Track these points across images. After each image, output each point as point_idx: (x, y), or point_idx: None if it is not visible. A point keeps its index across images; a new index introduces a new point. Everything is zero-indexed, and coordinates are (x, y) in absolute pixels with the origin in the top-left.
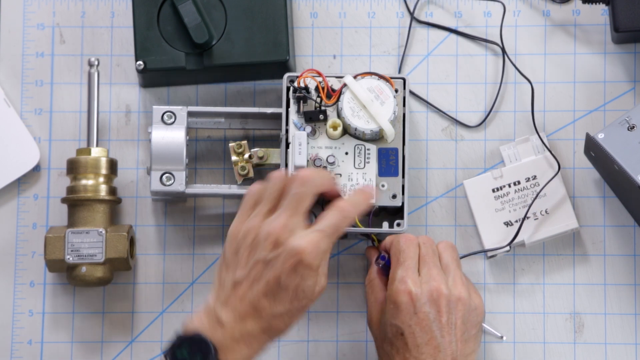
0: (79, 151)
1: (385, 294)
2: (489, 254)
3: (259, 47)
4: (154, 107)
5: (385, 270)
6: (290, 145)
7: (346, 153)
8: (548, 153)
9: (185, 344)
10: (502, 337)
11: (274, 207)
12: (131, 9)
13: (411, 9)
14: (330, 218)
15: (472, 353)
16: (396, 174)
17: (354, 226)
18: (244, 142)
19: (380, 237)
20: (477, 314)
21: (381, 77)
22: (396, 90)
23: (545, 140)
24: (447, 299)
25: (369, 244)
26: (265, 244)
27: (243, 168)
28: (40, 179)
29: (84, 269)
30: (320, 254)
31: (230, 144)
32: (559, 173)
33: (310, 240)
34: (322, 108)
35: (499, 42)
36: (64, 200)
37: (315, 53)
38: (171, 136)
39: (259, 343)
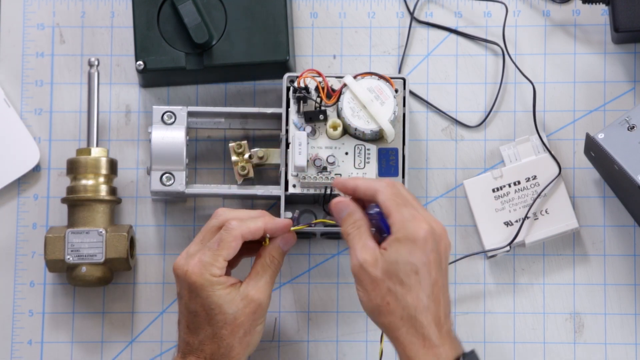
0: (79, 151)
1: (372, 239)
2: (489, 254)
3: (259, 47)
4: (154, 107)
5: (378, 222)
6: (290, 145)
7: (346, 153)
8: (548, 153)
9: None
10: None
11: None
12: (131, 9)
13: (411, 9)
14: (217, 234)
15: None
16: (396, 174)
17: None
18: (244, 142)
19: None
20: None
21: (381, 77)
22: (396, 90)
23: (546, 142)
24: (445, 241)
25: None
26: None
27: (243, 168)
28: (40, 179)
29: (84, 269)
30: (205, 267)
31: (230, 144)
32: (560, 169)
33: (195, 260)
34: (322, 108)
35: (499, 42)
36: (64, 200)
37: (315, 53)
38: (171, 136)
39: None
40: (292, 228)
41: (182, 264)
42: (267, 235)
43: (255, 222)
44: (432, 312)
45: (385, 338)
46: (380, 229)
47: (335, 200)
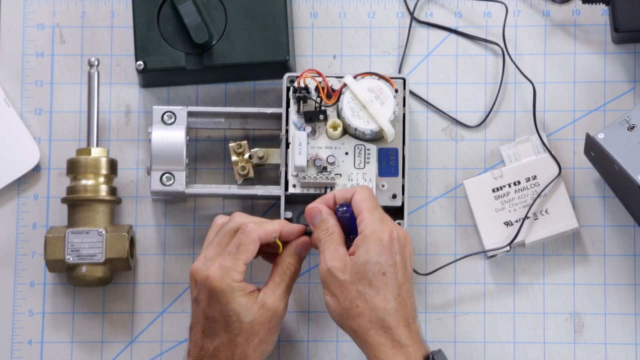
0: (79, 151)
1: (344, 246)
2: (489, 254)
3: (259, 47)
4: (154, 107)
5: (347, 221)
6: (290, 145)
7: (346, 153)
8: (548, 153)
9: None
10: None
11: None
12: (131, 9)
13: (411, 9)
14: (235, 238)
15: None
16: (396, 174)
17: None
18: (244, 142)
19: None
20: None
21: (381, 77)
22: (396, 90)
23: (546, 142)
24: (410, 247)
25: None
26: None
27: (243, 168)
28: (40, 179)
29: (84, 269)
30: (227, 272)
31: (230, 144)
32: (560, 169)
33: (216, 265)
34: (322, 108)
35: (499, 42)
36: (64, 200)
37: (315, 53)
38: (171, 136)
39: None
40: (279, 244)
41: (201, 269)
42: (278, 240)
43: (272, 224)
44: (400, 314)
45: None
46: (349, 229)
47: (309, 206)
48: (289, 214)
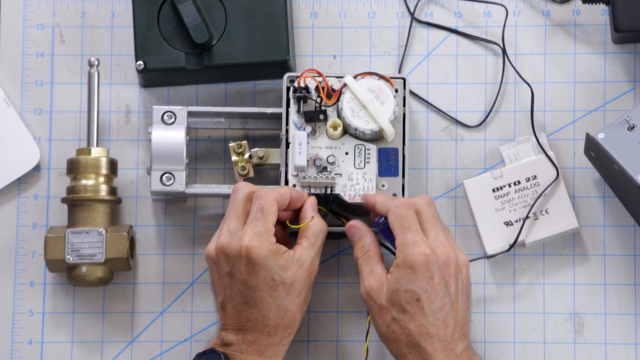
0: (79, 151)
1: (381, 264)
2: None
3: (259, 47)
4: (154, 107)
5: (384, 234)
6: (290, 145)
7: (346, 153)
8: (546, 157)
9: (201, 358)
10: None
11: (242, 222)
12: (131, 9)
13: (411, 9)
14: (254, 205)
15: (469, 319)
16: (396, 174)
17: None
18: (244, 142)
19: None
20: (470, 281)
21: (381, 77)
22: (396, 90)
23: (544, 145)
24: (455, 264)
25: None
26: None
27: (243, 168)
28: (40, 179)
29: (84, 269)
30: (263, 237)
31: (230, 144)
32: (559, 173)
33: (249, 234)
34: (322, 108)
35: (499, 42)
36: (64, 200)
37: (315, 53)
38: (171, 136)
39: (269, 347)
40: (293, 226)
41: (231, 242)
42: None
43: (282, 187)
44: (438, 338)
45: (370, 337)
46: (391, 239)
47: (348, 224)
48: (294, 183)
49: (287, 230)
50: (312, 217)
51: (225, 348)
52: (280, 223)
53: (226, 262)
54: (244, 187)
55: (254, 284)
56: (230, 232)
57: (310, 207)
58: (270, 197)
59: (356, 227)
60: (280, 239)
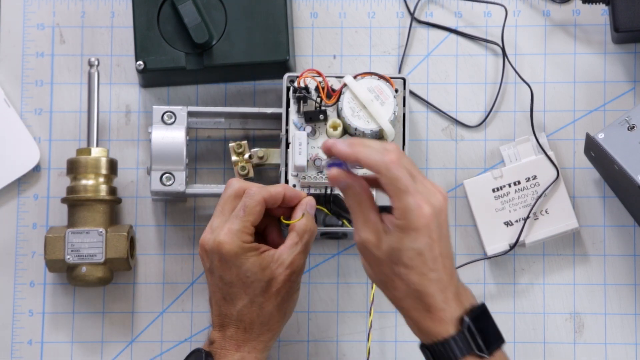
0: (79, 151)
1: (374, 211)
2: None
3: (259, 47)
4: (154, 107)
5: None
6: (290, 145)
7: None
8: (546, 156)
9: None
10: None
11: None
12: (131, 9)
13: (411, 9)
14: (240, 202)
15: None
16: None
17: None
18: (244, 142)
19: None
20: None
21: (381, 77)
22: (396, 90)
23: (544, 144)
24: (445, 206)
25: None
26: (202, 254)
27: (243, 168)
28: (40, 179)
29: (84, 269)
30: (236, 235)
31: (230, 144)
32: (559, 173)
33: (225, 230)
34: (322, 108)
35: (498, 42)
36: (64, 200)
37: (315, 53)
38: (171, 136)
39: (246, 342)
40: (288, 222)
41: (210, 238)
42: (284, 220)
43: (275, 187)
44: (436, 281)
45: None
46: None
47: (330, 176)
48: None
49: (282, 227)
50: (302, 216)
51: (210, 347)
52: (277, 220)
53: (207, 257)
54: (235, 184)
55: (229, 279)
56: (212, 229)
57: (301, 206)
58: (258, 197)
59: (340, 176)
60: (275, 237)
